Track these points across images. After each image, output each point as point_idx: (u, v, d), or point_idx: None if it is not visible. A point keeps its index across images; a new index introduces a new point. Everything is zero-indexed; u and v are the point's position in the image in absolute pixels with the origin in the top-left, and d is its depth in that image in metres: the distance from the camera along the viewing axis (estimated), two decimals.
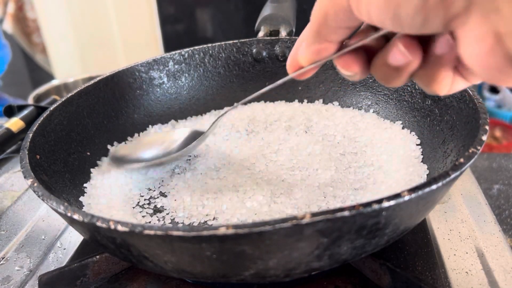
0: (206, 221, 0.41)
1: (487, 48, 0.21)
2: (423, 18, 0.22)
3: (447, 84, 0.25)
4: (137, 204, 0.45)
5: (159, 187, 0.47)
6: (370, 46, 0.27)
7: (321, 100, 0.59)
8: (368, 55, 0.28)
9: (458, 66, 0.25)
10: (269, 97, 0.61)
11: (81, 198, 0.44)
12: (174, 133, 0.49)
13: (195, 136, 0.48)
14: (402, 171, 0.44)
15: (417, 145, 0.47)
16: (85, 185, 0.46)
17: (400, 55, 0.25)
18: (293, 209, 0.41)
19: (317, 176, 0.45)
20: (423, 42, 0.25)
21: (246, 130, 0.55)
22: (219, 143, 0.53)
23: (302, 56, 0.29)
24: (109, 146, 0.52)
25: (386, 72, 0.26)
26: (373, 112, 0.55)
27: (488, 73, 0.22)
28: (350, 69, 0.28)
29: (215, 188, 0.45)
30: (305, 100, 0.59)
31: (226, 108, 0.45)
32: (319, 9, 0.26)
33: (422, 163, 0.45)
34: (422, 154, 0.46)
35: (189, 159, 0.51)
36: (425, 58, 0.25)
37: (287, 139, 0.52)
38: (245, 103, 0.60)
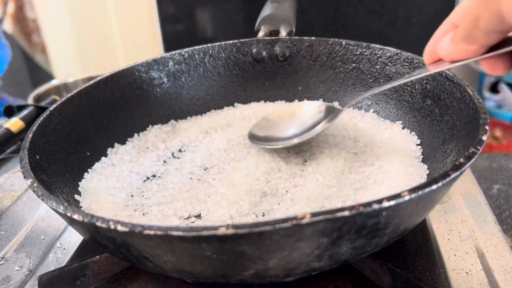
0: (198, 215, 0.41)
1: None
2: None
3: None
4: (137, 206, 0.45)
5: (159, 187, 0.47)
6: None
7: (321, 100, 0.59)
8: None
9: None
10: (269, 97, 0.61)
11: (80, 198, 0.44)
12: (305, 107, 0.49)
13: (330, 111, 0.47)
14: (402, 171, 0.44)
15: (417, 145, 0.47)
16: (84, 185, 0.46)
17: None
18: (293, 209, 0.41)
19: (318, 176, 0.45)
20: None
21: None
22: (219, 143, 0.53)
23: (446, 51, 0.30)
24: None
25: None
26: (373, 112, 0.55)
27: None
28: (495, 72, 0.30)
29: (215, 184, 0.45)
30: (305, 100, 0.59)
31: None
32: (470, 12, 0.27)
33: (422, 163, 0.45)
34: (422, 154, 0.46)
35: (180, 156, 0.51)
36: None
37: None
38: (246, 103, 0.60)
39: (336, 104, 0.57)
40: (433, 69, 0.33)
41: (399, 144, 0.48)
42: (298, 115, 0.49)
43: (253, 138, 0.50)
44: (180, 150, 0.53)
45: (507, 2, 0.24)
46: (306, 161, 0.48)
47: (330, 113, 0.46)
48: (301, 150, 0.50)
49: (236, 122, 0.57)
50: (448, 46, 0.30)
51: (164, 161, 0.51)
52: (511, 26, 0.25)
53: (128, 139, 0.54)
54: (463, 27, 0.28)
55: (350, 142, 0.50)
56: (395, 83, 0.41)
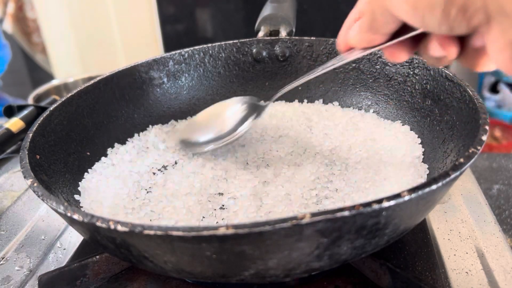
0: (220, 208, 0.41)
1: (508, 56, 0.23)
2: (448, 27, 0.24)
3: (488, 65, 0.28)
4: (138, 205, 0.45)
5: (159, 187, 0.47)
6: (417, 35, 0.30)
7: (321, 100, 0.59)
8: (415, 41, 0.31)
9: None
10: (269, 97, 0.61)
11: (80, 198, 0.44)
12: (229, 104, 0.50)
13: (254, 108, 0.48)
14: (402, 171, 0.44)
15: (418, 144, 0.47)
16: (84, 185, 0.46)
17: (436, 50, 0.28)
18: (292, 209, 0.41)
19: (317, 176, 0.45)
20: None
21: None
22: None
23: (356, 39, 0.32)
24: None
25: (430, 60, 0.30)
26: (373, 112, 0.55)
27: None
28: (396, 59, 0.32)
29: (216, 182, 0.45)
30: (305, 100, 0.59)
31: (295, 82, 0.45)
32: (368, 4, 0.29)
33: (422, 163, 0.45)
34: (422, 154, 0.46)
35: (190, 155, 0.51)
36: (464, 48, 0.28)
37: (287, 138, 0.52)
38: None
39: (335, 104, 0.57)
40: (348, 57, 0.34)
41: (399, 144, 0.48)
42: (223, 116, 0.50)
43: (184, 143, 0.51)
44: (180, 150, 0.53)
45: None
46: (306, 161, 0.48)
47: (254, 111, 0.47)
48: (299, 155, 0.50)
49: None
50: (356, 35, 0.32)
51: (164, 161, 0.51)
52: (401, 18, 0.27)
53: (128, 139, 0.54)
54: (366, 17, 0.30)
55: (351, 142, 0.50)
56: (312, 75, 0.42)
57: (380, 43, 0.31)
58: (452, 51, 0.28)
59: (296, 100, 0.60)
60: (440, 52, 0.28)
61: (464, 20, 0.24)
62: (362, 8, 0.31)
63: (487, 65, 0.28)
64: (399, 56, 0.32)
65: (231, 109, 0.49)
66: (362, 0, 0.31)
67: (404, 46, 0.31)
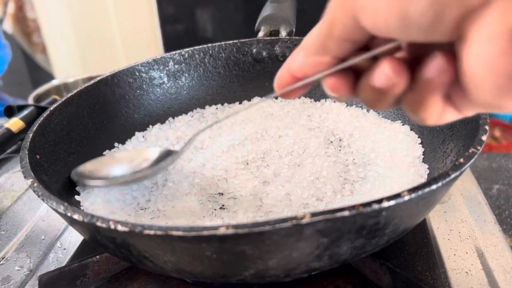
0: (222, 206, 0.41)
1: (499, 48, 0.19)
2: (436, 14, 0.20)
3: (436, 112, 0.24)
4: (137, 205, 0.45)
5: (159, 187, 0.47)
6: (359, 68, 0.26)
7: (321, 100, 0.59)
8: (357, 77, 0.27)
9: (451, 94, 0.23)
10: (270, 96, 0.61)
11: (80, 198, 0.44)
12: (146, 151, 0.46)
13: (168, 154, 0.44)
14: (402, 171, 0.44)
15: (418, 144, 0.47)
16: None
17: (384, 77, 0.24)
18: (292, 209, 0.41)
19: (317, 176, 0.45)
20: (412, 65, 0.24)
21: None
22: (220, 143, 0.53)
23: (298, 66, 0.27)
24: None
25: (370, 94, 0.25)
26: (373, 112, 0.55)
27: (492, 82, 0.19)
28: (337, 92, 0.27)
29: (216, 182, 0.45)
30: (306, 100, 0.59)
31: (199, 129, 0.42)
32: (326, 19, 0.25)
33: (423, 163, 0.45)
34: (423, 154, 0.46)
35: (196, 151, 0.51)
36: (413, 82, 0.24)
37: (287, 138, 0.52)
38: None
39: (336, 104, 0.57)
40: (278, 94, 0.30)
41: (399, 144, 0.48)
42: (138, 158, 0.45)
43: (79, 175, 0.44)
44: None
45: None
46: (306, 161, 0.48)
47: (167, 156, 0.43)
48: (300, 149, 0.50)
49: (236, 122, 0.57)
50: (301, 60, 0.27)
51: None
52: (365, 31, 0.23)
53: (128, 139, 0.54)
54: (316, 38, 0.26)
55: (351, 142, 0.50)
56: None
57: (327, 67, 0.26)
58: (403, 78, 0.24)
59: (297, 100, 0.60)
60: (388, 79, 0.24)
61: (460, 0, 0.19)
62: (307, 42, 0.27)
63: (434, 106, 0.23)
64: (340, 89, 0.27)
65: (142, 155, 0.45)
66: (308, 37, 0.27)
67: (346, 78, 0.27)
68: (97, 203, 0.43)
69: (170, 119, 0.58)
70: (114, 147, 0.52)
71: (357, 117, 0.54)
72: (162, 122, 0.58)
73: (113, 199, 0.44)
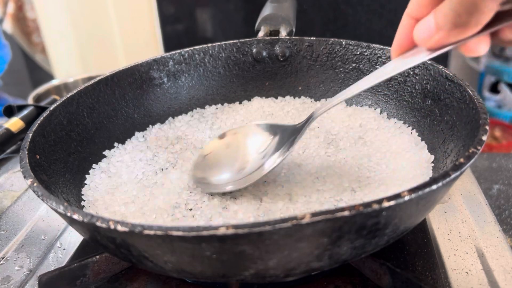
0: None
1: None
2: None
3: None
4: (137, 205, 0.45)
5: (159, 186, 0.47)
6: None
7: (321, 100, 0.59)
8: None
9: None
10: (270, 97, 0.61)
11: (80, 198, 0.44)
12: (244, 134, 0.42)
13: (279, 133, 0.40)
14: (403, 170, 0.43)
15: (420, 144, 0.47)
16: (84, 184, 0.46)
17: None
18: (294, 208, 0.41)
19: (317, 176, 0.45)
20: None
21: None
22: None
23: (437, 37, 0.28)
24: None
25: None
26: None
27: None
28: (475, 53, 0.28)
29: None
30: (306, 100, 0.59)
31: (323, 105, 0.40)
32: None
33: (425, 162, 0.45)
34: (427, 151, 0.46)
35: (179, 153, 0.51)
36: None
37: None
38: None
39: None
40: (414, 60, 0.30)
41: (400, 144, 0.48)
42: (242, 148, 0.42)
43: (198, 181, 0.44)
44: (180, 150, 0.53)
45: None
46: (306, 160, 0.48)
47: (284, 140, 0.40)
48: (300, 149, 0.50)
49: (236, 122, 0.57)
50: (439, 32, 0.27)
51: (164, 161, 0.51)
52: None
53: (128, 139, 0.54)
54: (453, 9, 0.26)
55: (351, 142, 0.50)
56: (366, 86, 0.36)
57: (471, 35, 0.27)
58: None
59: (297, 99, 0.60)
60: None
61: None
62: (415, 12, 0.28)
63: None
64: (480, 48, 0.28)
65: (252, 138, 0.43)
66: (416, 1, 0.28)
67: (484, 36, 0.28)
68: (97, 203, 0.43)
69: (170, 119, 0.58)
70: (114, 147, 0.52)
71: (358, 117, 0.54)
72: (162, 122, 0.58)
73: (114, 199, 0.44)
